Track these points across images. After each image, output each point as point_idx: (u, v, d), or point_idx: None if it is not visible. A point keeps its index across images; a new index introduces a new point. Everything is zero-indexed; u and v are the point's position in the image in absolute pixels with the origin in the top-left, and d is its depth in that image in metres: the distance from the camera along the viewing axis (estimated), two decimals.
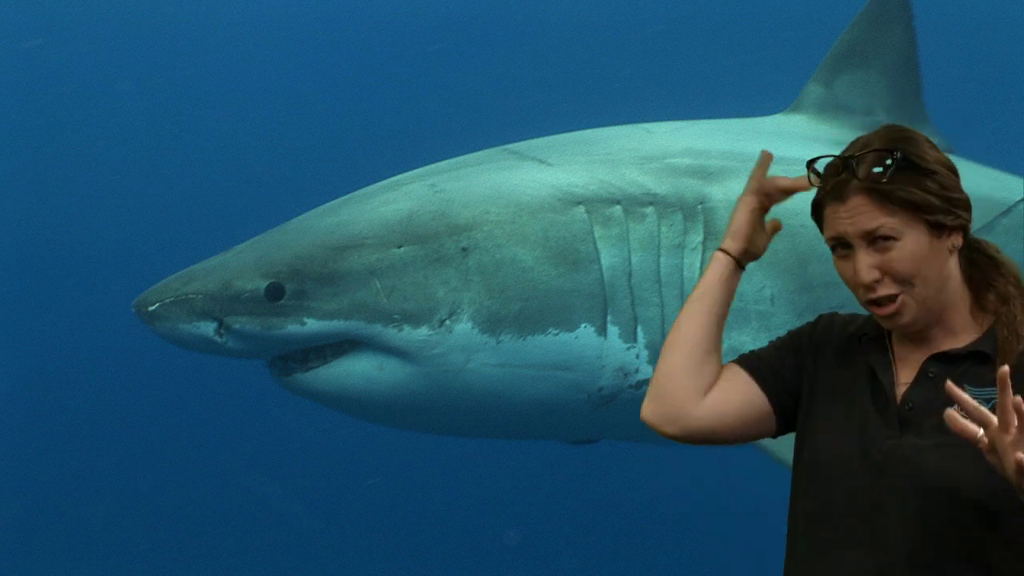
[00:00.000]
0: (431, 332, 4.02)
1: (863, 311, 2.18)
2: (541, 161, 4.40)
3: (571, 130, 4.81)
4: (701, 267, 4.18)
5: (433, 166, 4.59)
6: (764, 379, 2.23)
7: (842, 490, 2.07)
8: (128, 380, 8.84)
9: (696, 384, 2.19)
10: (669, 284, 4.14)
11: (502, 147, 4.62)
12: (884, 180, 2.05)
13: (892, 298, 2.06)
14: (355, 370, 4.12)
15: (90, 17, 10.20)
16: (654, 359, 4.13)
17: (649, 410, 2.21)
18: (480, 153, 4.64)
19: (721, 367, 2.24)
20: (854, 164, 2.09)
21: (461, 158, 4.64)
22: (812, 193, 2.21)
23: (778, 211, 4.59)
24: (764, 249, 2.31)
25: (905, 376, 2.11)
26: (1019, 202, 4.51)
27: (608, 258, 4.10)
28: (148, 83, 10.07)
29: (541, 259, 4.06)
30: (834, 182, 2.11)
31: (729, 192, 4.30)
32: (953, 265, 2.11)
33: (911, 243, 2.05)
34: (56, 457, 8.75)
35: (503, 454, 7.44)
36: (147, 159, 9.76)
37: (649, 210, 4.17)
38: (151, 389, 8.80)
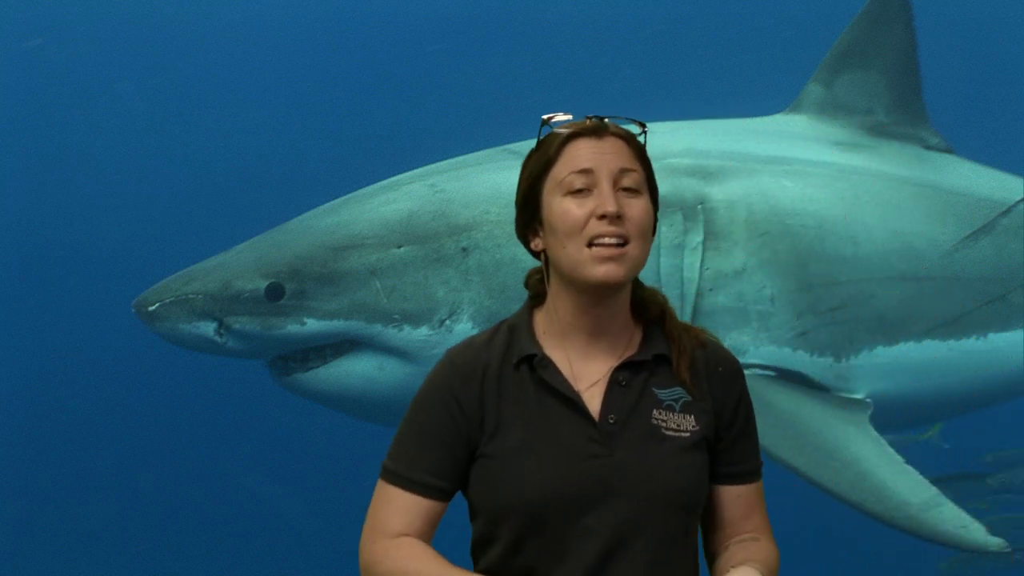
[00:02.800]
0: (431, 332, 4.02)
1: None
2: None
3: None
4: (701, 267, 4.18)
5: (433, 166, 4.59)
6: (445, 490, 2.11)
7: (562, 525, 2.02)
8: (128, 380, 8.84)
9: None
10: (669, 284, 4.14)
11: (502, 147, 4.62)
12: (635, 137, 2.11)
13: (622, 242, 2.04)
14: (355, 370, 4.13)
15: (90, 17, 10.20)
16: None
17: None
18: (480, 153, 4.64)
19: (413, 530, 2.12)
20: (607, 120, 2.11)
21: (461, 158, 4.64)
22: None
23: (777, 210, 4.57)
24: None
25: (590, 388, 2.08)
26: (1019, 202, 4.51)
27: None
28: (148, 83, 10.07)
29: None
30: (593, 124, 2.10)
31: (729, 192, 4.29)
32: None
33: (648, 205, 2.09)
34: (56, 457, 8.75)
35: None
36: (147, 159, 9.76)
37: None
38: (151, 389, 8.80)
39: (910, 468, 4.02)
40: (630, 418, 2.06)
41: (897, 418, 4.64)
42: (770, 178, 4.39)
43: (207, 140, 9.82)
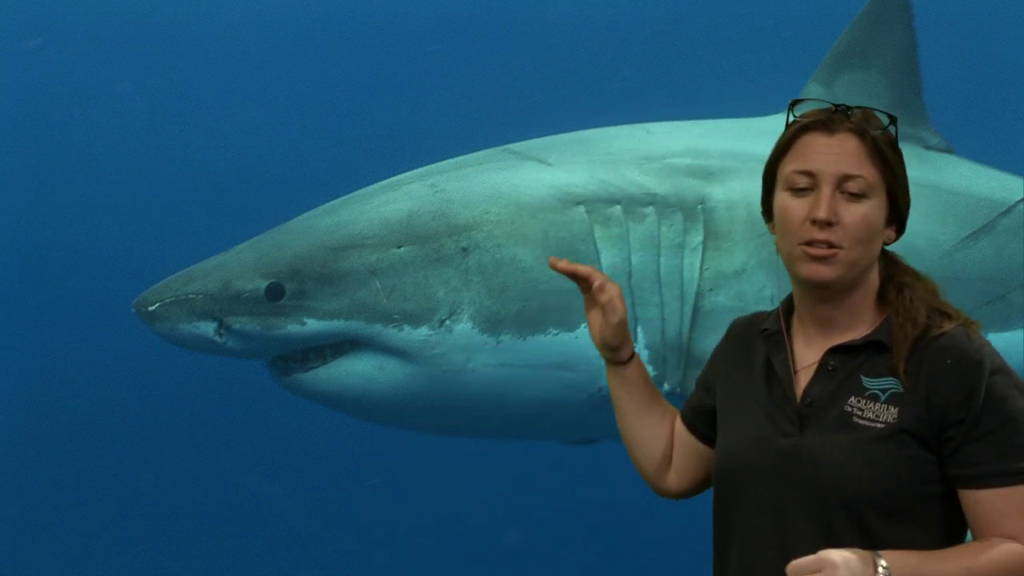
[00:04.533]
0: (431, 332, 4.02)
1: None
2: (541, 161, 4.40)
3: (571, 130, 4.81)
4: (701, 267, 4.18)
5: (433, 166, 4.59)
6: (693, 426, 2.35)
7: (748, 496, 2.09)
8: (128, 380, 8.84)
9: (656, 464, 2.39)
10: (669, 284, 4.14)
11: (502, 147, 4.62)
12: (878, 132, 2.07)
13: (831, 246, 2.04)
14: (355, 370, 4.13)
15: (90, 17, 10.19)
16: (654, 359, 4.15)
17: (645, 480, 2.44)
18: (480, 153, 4.64)
19: (673, 426, 2.40)
20: (849, 109, 2.09)
21: (461, 158, 4.64)
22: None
23: None
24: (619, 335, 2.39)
25: (805, 370, 2.12)
26: (1019, 202, 4.51)
27: (608, 258, 4.10)
28: (148, 83, 10.06)
29: (541, 259, 4.06)
30: (826, 115, 2.10)
31: (729, 192, 4.30)
32: (877, 254, 2.12)
33: (874, 209, 2.06)
34: (56, 457, 8.75)
35: (503, 454, 7.44)
36: (147, 159, 9.75)
37: (649, 210, 4.17)
38: (151, 389, 8.80)
39: None
40: (828, 404, 2.06)
41: None
42: None
43: (207, 140, 9.81)
